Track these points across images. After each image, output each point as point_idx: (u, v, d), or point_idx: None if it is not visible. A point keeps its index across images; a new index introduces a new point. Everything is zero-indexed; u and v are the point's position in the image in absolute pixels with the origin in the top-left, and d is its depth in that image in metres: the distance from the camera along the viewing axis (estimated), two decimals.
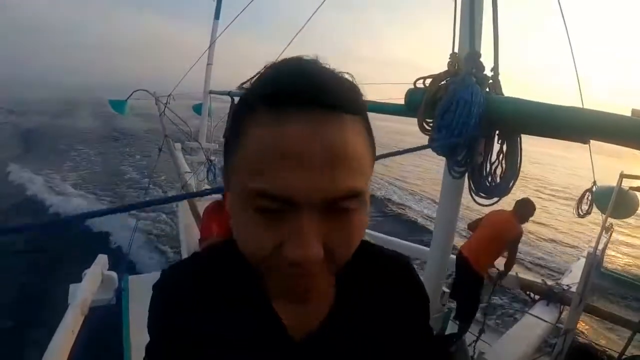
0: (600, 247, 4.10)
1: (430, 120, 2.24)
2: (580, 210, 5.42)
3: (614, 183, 3.99)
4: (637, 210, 4.35)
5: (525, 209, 4.46)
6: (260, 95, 0.48)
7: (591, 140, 1.95)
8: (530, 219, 4.53)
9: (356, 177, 0.48)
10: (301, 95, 0.45)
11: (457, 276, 4.59)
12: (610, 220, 4.75)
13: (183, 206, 6.57)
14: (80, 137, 23.30)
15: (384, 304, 0.70)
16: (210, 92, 8.62)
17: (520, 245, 4.53)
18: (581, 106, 2.35)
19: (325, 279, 0.53)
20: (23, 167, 15.14)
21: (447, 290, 3.23)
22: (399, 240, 5.98)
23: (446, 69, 2.32)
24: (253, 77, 0.53)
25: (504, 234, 4.36)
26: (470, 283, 4.44)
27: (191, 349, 0.62)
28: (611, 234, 5.13)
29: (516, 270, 4.86)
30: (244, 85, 0.55)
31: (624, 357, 3.49)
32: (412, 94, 2.36)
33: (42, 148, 19.06)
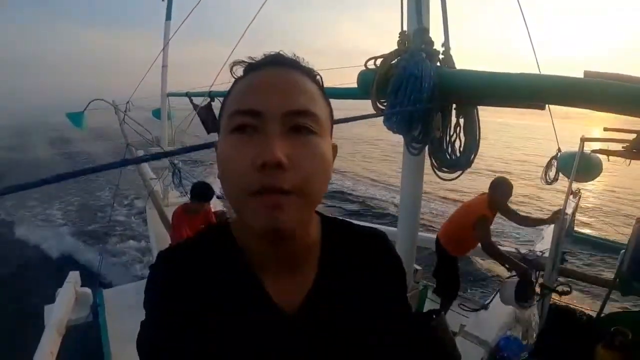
0: (569, 211, 4.16)
1: (384, 100, 2.21)
2: (547, 178, 5.50)
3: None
4: (600, 172, 4.40)
5: (497, 188, 4.19)
6: (245, 69, 0.68)
7: (548, 106, 1.95)
8: None
9: (309, 102, 0.62)
10: (267, 61, 0.67)
11: (436, 257, 4.63)
12: (577, 185, 4.84)
13: (152, 214, 6.48)
14: (40, 169, 22.23)
15: (364, 276, 0.77)
16: (168, 94, 8.48)
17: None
18: (538, 72, 2.35)
19: (299, 209, 0.59)
20: None
21: (419, 267, 3.24)
22: (367, 224, 6.00)
23: (396, 48, 2.29)
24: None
25: (467, 215, 4.28)
26: (445, 263, 4.49)
27: (186, 319, 0.67)
28: (579, 199, 5.21)
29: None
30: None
31: (602, 314, 3.56)
32: (363, 76, 2.32)
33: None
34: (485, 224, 4.10)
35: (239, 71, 0.69)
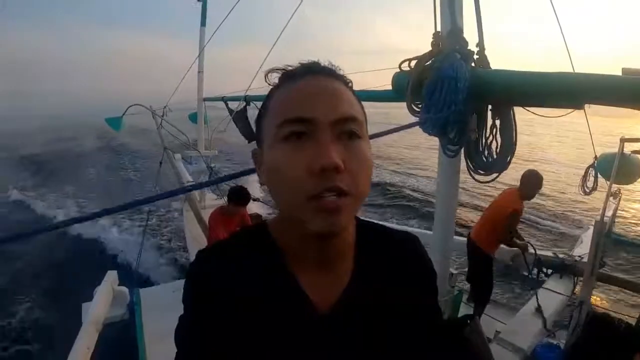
0: (609, 214, 4.04)
1: (419, 102, 2.20)
2: (585, 188, 5.30)
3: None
4: None
5: (527, 182, 4.26)
6: (281, 77, 0.70)
7: (586, 107, 1.91)
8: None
9: (352, 109, 0.65)
10: (305, 70, 0.68)
11: (469, 259, 4.57)
12: (618, 187, 4.69)
13: (189, 216, 6.58)
14: (85, 160, 23.13)
15: (396, 277, 0.79)
16: (204, 99, 8.63)
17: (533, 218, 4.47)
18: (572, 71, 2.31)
19: (352, 209, 0.63)
20: (37, 199, 14.81)
21: (454, 272, 3.21)
22: (402, 227, 5.96)
23: (430, 49, 2.28)
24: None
25: (500, 211, 4.30)
26: (480, 264, 4.42)
27: (222, 315, 0.70)
28: (619, 201, 5.05)
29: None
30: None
31: None
32: (398, 78, 2.33)
33: (51, 176, 18.79)
34: (516, 219, 4.30)
35: (273, 77, 0.72)
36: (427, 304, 0.84)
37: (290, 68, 0.71)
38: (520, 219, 4.52)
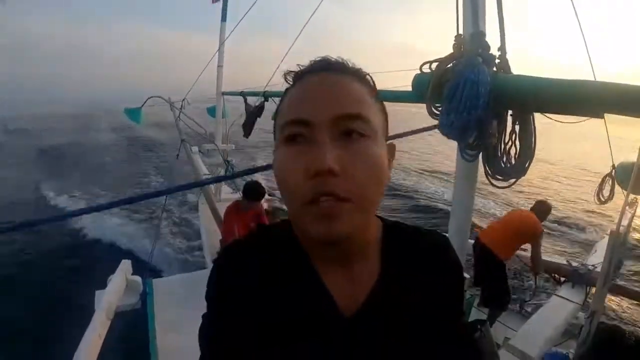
0: (625, 223, 4.00)
1: (439, 105, 2.20)
2: (601, 197, 5.23)
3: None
4: None
5: (541, 208, 4.69)
6: (294, 77, 0.69)
7: (606, 115, 1.89)
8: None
9: (357, 105, 0.62)
10: (315, 67, 0.67)
11: (478, 264, 4.55)
12: (636, 196, 4.62)
13: (204, 209, 6.63)
14: (101, 153, 23.31)
15: (424, 280, 0.76)
16: (223, 93, 8.68)
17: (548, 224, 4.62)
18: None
19: (354, 215, 0.60)
20: (56, 191, 14.66)
21: (467, 276, 3.20)
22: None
23: (452, 51, 2.28)
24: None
25: (523, 225, 4.48)
26: (493, 270, 4.40)
27: (246, 315, 0.69)
28: (635, 210, 4.97)
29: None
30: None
31: None
32: (419, 80, 2.33)
33: (67, 167, 18.87)
34: (541, 240, 4.51)
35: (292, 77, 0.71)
36: (453, 311, 0.81)
37: (302, 68, 0.69)
38: None
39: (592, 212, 14.55)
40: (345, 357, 0.67)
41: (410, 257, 0.77)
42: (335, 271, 0.71)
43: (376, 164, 0.62)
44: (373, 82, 0.71)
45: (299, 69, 0.69)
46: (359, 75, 0.68)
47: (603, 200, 5.17)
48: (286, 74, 0.70)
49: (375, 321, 0.69)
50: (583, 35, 3.55)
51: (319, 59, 0.69)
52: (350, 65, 0.69)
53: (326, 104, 0.61)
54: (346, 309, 0.69)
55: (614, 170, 4.88)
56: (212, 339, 0.72)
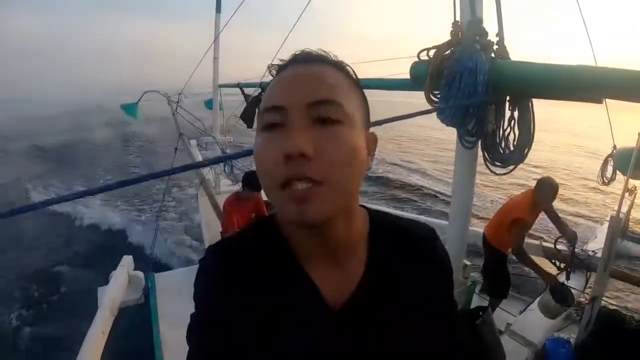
0: (624, 209, 3.99)
1: (438, 92, 2.20)
2: (604, 178, 5.20)
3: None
4: None
5: (541, 189, 3.97)
6: (277, 70, 0.70)
7: (606, 100, 1.88)
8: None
9: (332, 92, 0.62)
10: (296, 59, 0.69)
11: (484, 253, 4.54)
12: (636, 182, 4.61)
13: (203, 201, 6.63)
14: (99, 150, 23.17)
15: (411, 272, 0.76)
16: (220, 85, 8.65)
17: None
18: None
19: (328, 199, 0.60)
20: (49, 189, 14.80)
21: (468, 263, 3.20)
22: (416, 216, 5.94)
23: (449, 38, 2.27)
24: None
25: (508, 214, 4.09)
26: (492, 259, 4.39)
27: (233, 315, 0.68)
28: (635, 197, 4.97)
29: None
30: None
31: None
32: (416, 67, 2.32)
33: (64, 167, 18.82)
34: (520, 229, 3.95)
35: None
36: (443, 297, 0.81)
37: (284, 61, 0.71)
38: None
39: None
40: (333, 350, 0.67)
41: (398, 249, 0.77)
42: (323, 264, 0.70)
43: (352, 149, 0.62)
44: (354, 72, 0.72)
45: (280, 62, 0.70)
46: (338, 66, 0.69)
47: (606, 181, 5.17)
48: (270, 67, 0.72)
49: (363, 313, 0.70)
50: (583, 18, 3.54)
51: (299, 52, 0.71)
52: (332, 56, 0.70)
53: (300, 90, 0.62)
54: (334, 302, 0.69)
55: (614, 150, 4.88)
56: (197, 340, 0.72)
